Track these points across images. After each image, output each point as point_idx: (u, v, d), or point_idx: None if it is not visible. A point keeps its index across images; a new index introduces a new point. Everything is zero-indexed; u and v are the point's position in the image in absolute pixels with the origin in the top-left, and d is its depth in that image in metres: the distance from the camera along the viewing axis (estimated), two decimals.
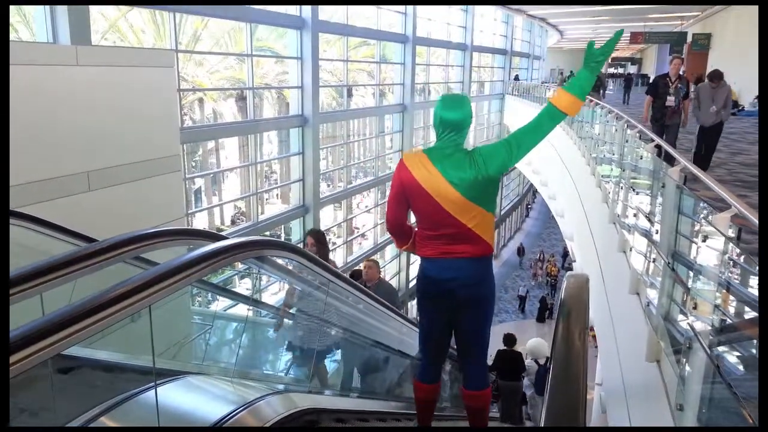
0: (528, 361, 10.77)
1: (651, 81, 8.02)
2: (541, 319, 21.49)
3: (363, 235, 18.40)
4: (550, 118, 2.36)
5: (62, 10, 7.05)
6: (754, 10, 15.53)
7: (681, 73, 7.51)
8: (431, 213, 2.38)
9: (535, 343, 11.50)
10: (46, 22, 7.07)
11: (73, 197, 5.39)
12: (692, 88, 7.99)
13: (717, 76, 7.30)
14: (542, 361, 10.56)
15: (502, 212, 28.33)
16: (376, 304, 4.07)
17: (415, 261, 20.16)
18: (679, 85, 7.22)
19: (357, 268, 13.48)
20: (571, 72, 27.62)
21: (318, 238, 4.67)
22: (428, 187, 2.34)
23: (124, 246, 2.18)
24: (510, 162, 2.36)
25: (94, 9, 8.36)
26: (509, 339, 9.27)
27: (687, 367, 2.64)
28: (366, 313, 3.99)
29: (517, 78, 30.11)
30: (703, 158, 7.17)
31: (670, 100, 7.18)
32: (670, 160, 4.56)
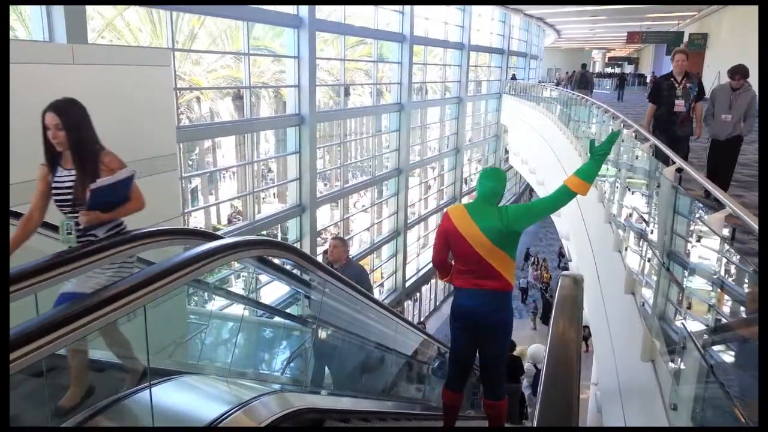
0: (527, 365, 11.12)
1: (653, 84, 6.21)
2: (545, 320, 21.54)
3: (367, 229, 18.32)
4: (564, 196, 2.92)
5: (58, 8, 7.02)
6: (749, 9, 15.59)
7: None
8: (465, 253, 2.99)
9: (535, 349, 12.13)
10: (42, 21, 7.03)
11: None
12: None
13: (740, 71, 5.63)
14: (540, 366, 10.72)
15: None
16: (347, 288, 3.62)
17: (412, 261, 20.29)
18: (688, 85, 5.72)
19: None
20: (573, 72, 27.60)
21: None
22: (464, 233, 2.96)
23: (120, 245, 2.18)
24: (529, 224, 3.00)
25: (90, 7, 8.33)
26: None
27: (681, 367, 2.66)
28: (334, 298, 3.56)
29: (514, 77, 30.09)
30: (718, 183, 4.34)
31: (679, 105, 5.69)
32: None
